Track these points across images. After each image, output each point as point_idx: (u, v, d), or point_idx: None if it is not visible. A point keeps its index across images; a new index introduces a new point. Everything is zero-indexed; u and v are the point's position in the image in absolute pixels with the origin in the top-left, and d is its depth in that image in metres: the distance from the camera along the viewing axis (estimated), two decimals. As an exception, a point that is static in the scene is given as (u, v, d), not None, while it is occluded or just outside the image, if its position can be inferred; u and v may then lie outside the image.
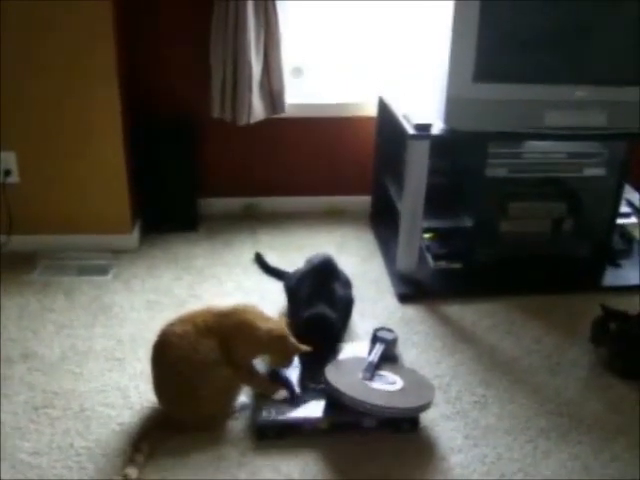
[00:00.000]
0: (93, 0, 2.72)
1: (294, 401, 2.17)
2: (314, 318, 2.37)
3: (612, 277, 3.04)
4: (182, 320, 2.13)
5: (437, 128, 2.75)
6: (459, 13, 2.57)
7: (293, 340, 2.18)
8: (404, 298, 2.84)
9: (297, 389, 2.23)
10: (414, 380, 2.26)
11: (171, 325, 2.11)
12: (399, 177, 2.98)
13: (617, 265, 3.10)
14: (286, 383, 2.24)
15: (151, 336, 2.12)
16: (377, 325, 2.49)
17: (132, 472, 1.92)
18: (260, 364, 2.27)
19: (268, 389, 2.22)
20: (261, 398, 2.18)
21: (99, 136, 2.93)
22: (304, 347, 2.19)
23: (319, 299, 2.43)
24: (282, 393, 2.20)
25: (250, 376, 2.20)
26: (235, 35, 2.95)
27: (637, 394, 2.36)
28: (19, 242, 3.02)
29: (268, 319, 2.21)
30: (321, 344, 2.31)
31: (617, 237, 3.19)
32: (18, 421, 2.14)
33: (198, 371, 2.04)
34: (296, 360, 2.29)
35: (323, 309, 2.40)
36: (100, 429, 2.12)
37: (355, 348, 2.43)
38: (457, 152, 3.13)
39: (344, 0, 3.24)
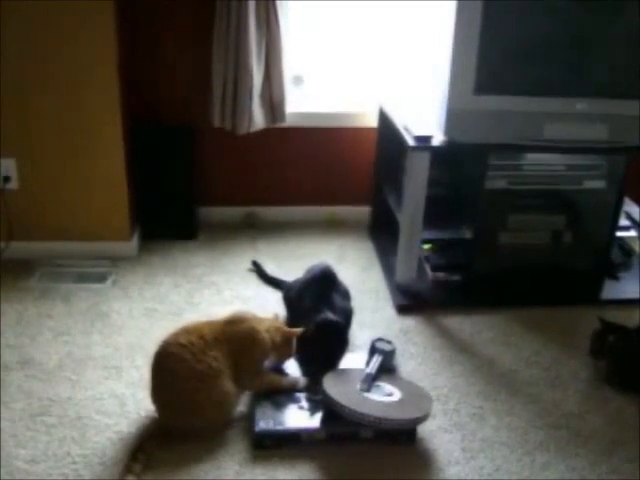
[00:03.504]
0: (94, 5, 2.72)
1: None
2: (325, 323, 2.38)
3: (611, 290, 3.03)
4: (187, 331, 2.13)
5: (437, 139, 2.75)
6: (460, 25, 2.57)
7: (288, 330, 2.30)
8: (403, 309, 2.84)
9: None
10: (412, 392, 2.25)
11: (175, 335, 2.12)
12: (399, 188, 2.99)
13: (616, 278, 3.10)
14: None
15: (149, 344, 2.12)
16: (375, 336, 2.49)
17: (130, 478, 1.92)
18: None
19: (288, 384, 2.27)
20: (259, 408, 2.17)
21: (99, 143, 2.93)
22: (298, 330, 2.31)
23: (323, 307, 2.44)
24: (301, 381, 2.28)
25: (267, 379, 2.24)
26: (236, 43, 2.96)
27: (635, 407, 2.35)
28: (18, 249, 3.01)
29: (263, 321, 2.27)
30: (331, 349, 2.39)
31: (616, 250, 3.19)
32: (15, 428, 2.13)
33: (199, 382, 2.04)
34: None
35: (331, 315, 2.41)
36: (97, 437, 2.11)
37: (353, 359, 2.42)
38: (457, 164, 3.13)
39: (345, 4, 3.25)
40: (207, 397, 2.05)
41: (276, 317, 2.37)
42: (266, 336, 2.20)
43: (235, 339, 2.15)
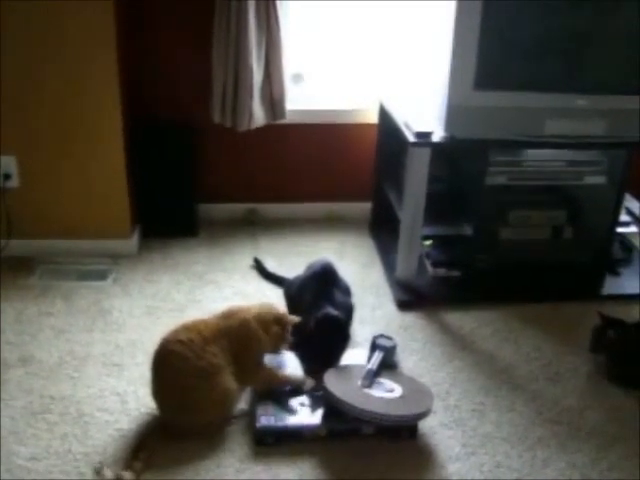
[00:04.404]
0: (94, 5, 2.72)
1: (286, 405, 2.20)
2: (326, 318, 2.37)
3: (611, 286, 3.03)
4: (186, 328, 2.13)
5: (438, 135, 2.75)
6: (461, 20, 2.57)
7: (279, 313, 2.26)
8: (403, 305, 2.84)
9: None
10: (413, 388, 2.26)
11: (175, 333, 2.12)
12: (399, 184, 2.99)
13: (617, 274, 3.10)
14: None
15: (150, 341, 2.12)
16: (376, 332, 2.49)
17: (127, 474, 1.92)
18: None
19: (294, 382, 2.26)
20: (261, 405, 2.17)
21: (99, 140, 2.93)
22: (295, 318, 2.26)
23: (324, 302, 2.44)
24: (309, 383, 2.25)
25: (271, 373, 2.24)
26: (236, 41, 2.95)
27: (635, 402, 2.35)
28: (18, 246, 3.01)
29: (251, 308, 2.25)
30: (332, 344, 2.37)
31: (617, 246, 3.19)
32: (16, 426, 2.13)
33: (200, 379, 2.05)
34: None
35: (332, 310, 2.40)
36: (98, 434, 2.11)
37: (354, 355, 2.42)
38: (457, 160, 3.13)
39: (345, 2, 3.25)
40: (208, 394, 2.05)
41: (269, 304, 2.33)
42: (256, 325, 2.18)
43: (231, 333, 2.14)
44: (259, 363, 2.22)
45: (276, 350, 2.28)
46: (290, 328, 2.27)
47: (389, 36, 3.31)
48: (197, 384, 2.04)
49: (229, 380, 2.09)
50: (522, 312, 2.82)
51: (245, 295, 2.86)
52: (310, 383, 2.26)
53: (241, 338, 2.16)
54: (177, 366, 2.05)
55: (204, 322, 2.17)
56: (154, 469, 1.98)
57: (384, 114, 3.22)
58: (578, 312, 2.81)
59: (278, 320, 2.24)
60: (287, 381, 2.26)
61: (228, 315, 2.21)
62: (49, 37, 2.76)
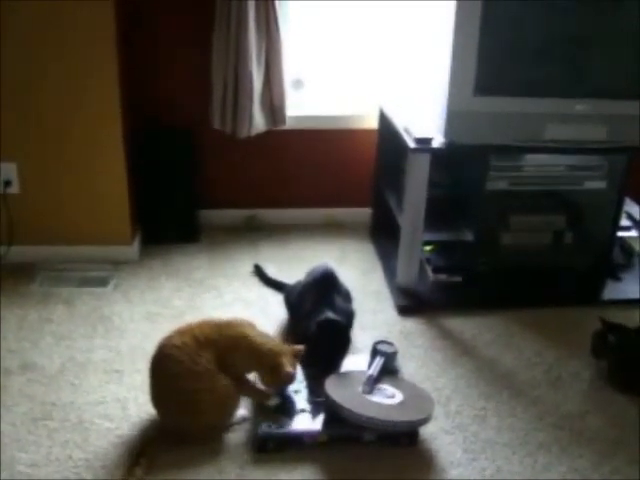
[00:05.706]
0: (95, 6, 2.72)
1: (288, 412, 2.18)
2: (327, 323, 2.37)
3: (612, 290, 3.03)
4: (180, 332, 2.13)
5: (438, 141, 2.75)
6: (460, 26, 2.57)
7: (289, 362, 2.14)
8: (404, 311, 2.84)
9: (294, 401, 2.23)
10: (414, 393, 2.25)
11: (169, 338, 2.12)
12: (399, 190, 2.99)
13: (617, 278, 3.10)
14: (282, 393, 2.24)
15: (151, 348, 2.12)
16: (377, 338, 2.49)
17: None
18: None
19: (260, 397, 2.22)
20: (261, 411, 2.17)
21: (100, 147, 2.93)
22: (294, 370, 2.15)
23: (324, 308, 2.44)
24: (274, 400, 2.21)
25: (242, 386, 2.18)
26: (236, 47, 2.96)
27: (637, 408, 2.35)
28: (19, 253, 3.01)
29: (267, 337, 2.22)
30: (333, 349, 2.38)
31: (617, 250, 3.19)
32: (17, 432, 2.13)
33: (198, 382, 2.04)
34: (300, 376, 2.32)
35: (333, 315, 2.41)
36: (99, 441, 2.11)
37: (355, 361, 2.42)
38: (458, 165, 3.13)
39: (344, 6, 3.26)
40: (207, 396, 2.05)
41: (281, 341, 2.26)
42: (256, 348, 2.13)
43: (223, 341, 2.12)
44: (238, 378, 2.16)
45: (270, 387, 2.21)
46: (285, 376, 2.14)
47: (389, 41, 3.31)
48: (195, 387, 2.04)
49: (226, 382, 2.09)
50: (523, 317, 2.82)
51: (246, 302, 2.86)
52: (275, 400, 2.21)
53: (231, 348, 2.12)
54: (174, 370, 2.05)
55: (199, 326, 2.16)
56: (155, 475, 1.98)
57: (384, 120, 3.23)
58: (579, 317, 2.81)
59: (273, 369, 2.13)
60: (254, 394, 2.22)
61: (229, 325, 2.19)
62: (49, 45, 2.76)
